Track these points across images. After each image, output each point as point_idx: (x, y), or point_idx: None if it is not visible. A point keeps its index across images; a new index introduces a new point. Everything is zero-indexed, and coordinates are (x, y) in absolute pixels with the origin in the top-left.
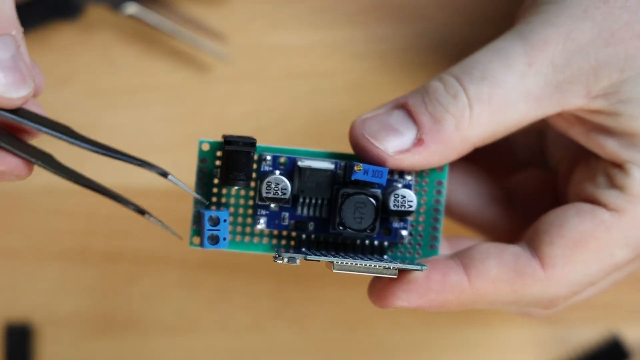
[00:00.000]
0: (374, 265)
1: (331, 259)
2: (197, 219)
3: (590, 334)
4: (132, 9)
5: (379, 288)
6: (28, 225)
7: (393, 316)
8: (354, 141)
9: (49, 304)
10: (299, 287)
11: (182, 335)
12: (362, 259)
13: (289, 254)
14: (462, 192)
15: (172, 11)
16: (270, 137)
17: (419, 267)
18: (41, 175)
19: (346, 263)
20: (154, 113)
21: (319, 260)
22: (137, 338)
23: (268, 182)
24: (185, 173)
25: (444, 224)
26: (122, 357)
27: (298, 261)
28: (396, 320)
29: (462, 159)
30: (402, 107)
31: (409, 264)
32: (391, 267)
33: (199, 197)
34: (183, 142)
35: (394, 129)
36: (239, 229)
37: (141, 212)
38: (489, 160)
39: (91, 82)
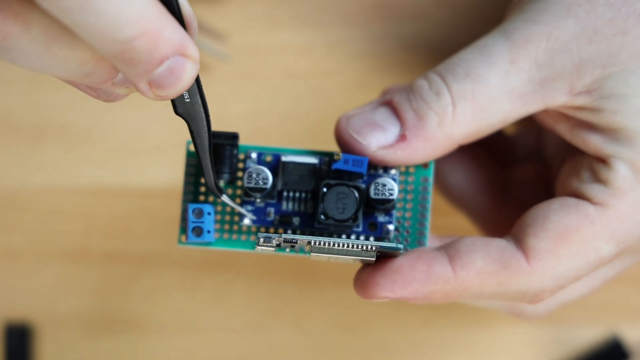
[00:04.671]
0: (352, 246)
1: (308, 237)
2: (184, 214)
3: (590, 334)
4: None
5: (363, 278)
6: (28, 225)
7: (393, 316)
8: (338, 137)
9: (48, 304)
10: (298, 287)
11: (182, 335)
12: (339, 237)
13: (265, 234)
14: (460, 173)
15: None
16: (270, 137)
17: (394, 245)
18: (41, 175)
19: (323, 244)
20: (154, 113)
21: (295, 241)
22: (137, 338)
23: (249, 172)
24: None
25: (438, 223)
26: (122, 357)
27: (274, 241)
28: (396, 320)
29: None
30: (388, 104)
31: (386, 242)
32: (369, 247)
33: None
34: (183, 142)
35: (378, 125)
36: (226, 226)
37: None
38: (488, 153)
39: None
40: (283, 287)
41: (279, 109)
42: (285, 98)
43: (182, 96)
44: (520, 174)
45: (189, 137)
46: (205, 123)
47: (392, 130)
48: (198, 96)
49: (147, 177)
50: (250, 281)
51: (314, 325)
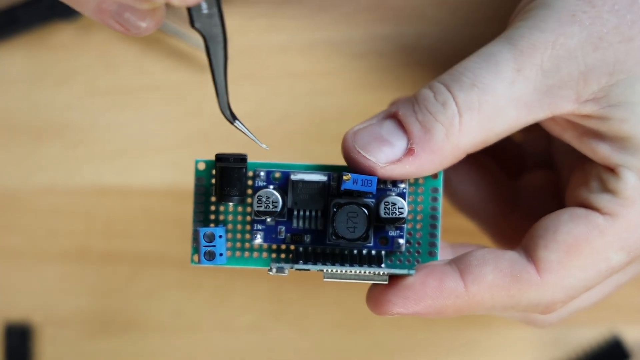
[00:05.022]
0: (364, 272)
1: (320, 267)
2: (196, 237)
3: (590, 334)
4: None
5: (375, 295)
6: (28, 225)
7: (393, 317)
8: (346, 154)
9: (48, 304)
10: (299, 288)
11: (182, 335)
12: (351, 266)
13: (277, 264)
14: (469, 183)
15: (172, 11)
16: (270, 136)
17: (406, 271)
18: (41, 175)
19: (336, 271)
20: (153, 113)
21: (308, 270)
22: (137, 338)
23: (259, 196)
24: (185, 173)
25: (449, 230)
26: (122, 357)
27: (287, 271)
28: (396, 320)
29: (477, 152)
30: (393, 116)
31: (398, 269)
32: (381, 273)
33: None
34: (183, 142)
35: (385, 140)
36: (238, 245)
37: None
38: (497, 162)
39: (90, 82)
40: (283, 287)
41: (279, 109)
42: (285, 98)
43: (199, 7)
44: (530, 183)
45: (188, 137)
46: (222, 39)
47: (399, 145)
48: (216, 7)
49: (147, 177)
50: (250, 281)
51: (314, 326)
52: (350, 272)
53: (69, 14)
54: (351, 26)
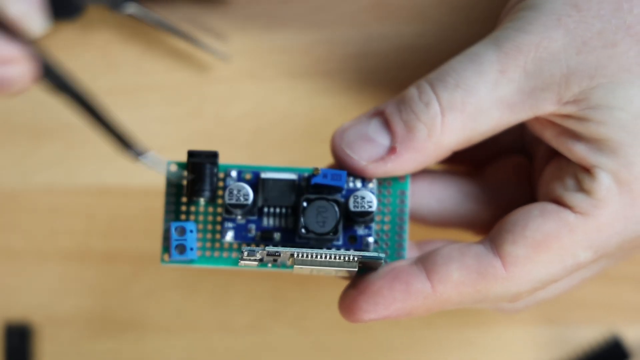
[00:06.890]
0: (334, 257)
1: (290, 250)
2: (167, 232)
3: (590, 334)
4: (131, 8)
5: (347, 304)
6: (28, 225)
7: None
8: (333, 152)
9: (48, 304)
10: (298, 288)
11: (182, 335)
12: (321, 250)
13: (249, 248)
14: (431, 199)
15: (172, 11)
16: (269, 136)
17: (376, 255)
18: (41, 175)
19: (306, 256)
20: (153, 113)
21: (278, 254)
22: (136, 338)
23: (230, 189)
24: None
25: (415, 229)
26: (121, 357)
27: (258, 255)
28: (396, 320)
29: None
30: (380, 115)
31: (369, 253)
32: (351, 258)
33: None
34: (183, 142)
35: (369, 139)
36: (208, 244)
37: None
38: (468, 150)
39: (91, 82)
40: (283, 287)
41: (279, 109)
42: (284, 98)
43: (46, 78)
44: (499, 169)
45: (188, 137)
46: (80, 95)
47: (382, 143)
48: (54, 81)
49: (147, 177)
50: (250, 281)
51: (314, 325)
52: (321, 257)
53: (69, 14)
54: (351, 26)
